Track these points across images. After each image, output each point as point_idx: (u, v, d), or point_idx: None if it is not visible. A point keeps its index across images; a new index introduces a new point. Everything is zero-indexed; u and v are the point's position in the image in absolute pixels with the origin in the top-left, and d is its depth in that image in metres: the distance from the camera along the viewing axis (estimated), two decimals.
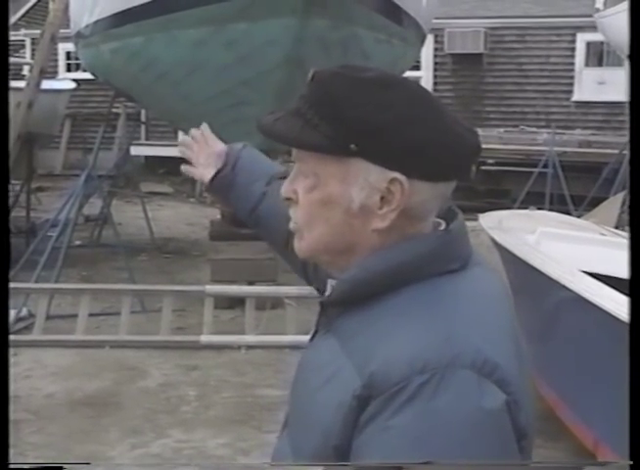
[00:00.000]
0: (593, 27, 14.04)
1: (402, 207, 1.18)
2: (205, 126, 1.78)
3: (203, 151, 1.76)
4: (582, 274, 4.55)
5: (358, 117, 1.16)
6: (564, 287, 4.36)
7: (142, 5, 6.82)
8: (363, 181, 1.18)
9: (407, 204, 1.18)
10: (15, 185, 10.46)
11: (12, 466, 1.30)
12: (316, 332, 1.30)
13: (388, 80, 1.20)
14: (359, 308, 1.20)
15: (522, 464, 1.19)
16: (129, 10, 7.01)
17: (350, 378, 1.12)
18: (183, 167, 1.81)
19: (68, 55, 18.81)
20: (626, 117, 13.20)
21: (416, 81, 1.26)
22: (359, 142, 1.16)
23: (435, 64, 17.84)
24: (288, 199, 1.27)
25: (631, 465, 1.22)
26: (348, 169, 1.18)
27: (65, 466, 1.15)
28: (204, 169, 1.75)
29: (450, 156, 1.19)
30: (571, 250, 5.52)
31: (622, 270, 5.17)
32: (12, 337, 5.75)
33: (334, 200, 1.20)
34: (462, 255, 1.23)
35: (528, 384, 1.21)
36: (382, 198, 1.18)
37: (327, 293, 1.29)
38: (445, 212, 1.28)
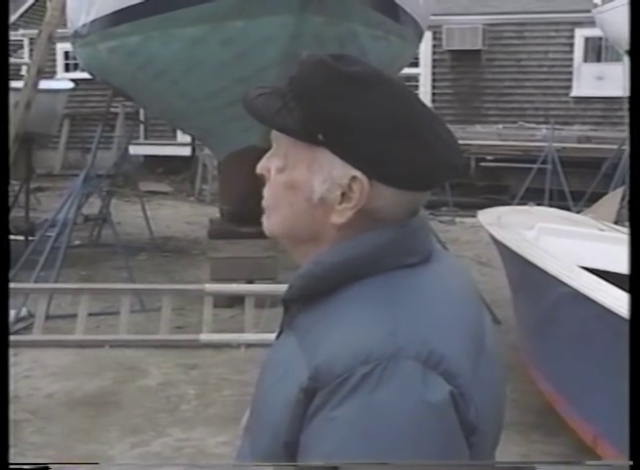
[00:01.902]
0: (591, 23, 14.03)
1: (361, 206, 1.17)
2: None
3: None
4: (581, 270, 4.55)
5: (330, 109, 1.16)
6: (562, 283, 4.36)
7: (139, 4, 6.81)
8: (327, 173, 1.18)
9: (368, 205, 1.17)
10: (13, 185, 10.46)
11: (12, 466, 1.30)
12: (281, 331, 1.29)
13: (372, 78, 1.18)
14: (316, 304, 1.19)
15: (522, 464, 1.19)
16: (126, 9, 7.00)
17: (300, 372, 1.12)
18: None
19: (67, 55, 18.82)
20: (625, 113, 13.22)
21: (408, 87, 1.23)
22: (327, 133, 1.16)
23: (434, 60, 17.84)
24: (261, 175, 1.27)
25: (631, 465, 1.21)
26: (315, 158, 1.19)
27: (63, 466, 1.15)
28: None
29: (418, 168, 1.17)
30: (569, 245, 5.52)
31: (621, 266, 5.20)
32: (11, 337, 5.74)
33: (297, 185, 1.21)
34: (421, 249, 1.22)
35: (489, 376, 1.19)
36: (342, 193, 1.18)
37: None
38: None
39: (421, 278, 1.20)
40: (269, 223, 1.27)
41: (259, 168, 1.27)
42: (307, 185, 1.20)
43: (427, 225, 1.27)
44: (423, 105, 1.22)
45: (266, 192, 1.26)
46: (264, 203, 1.28)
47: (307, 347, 1.15)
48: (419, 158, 1.16)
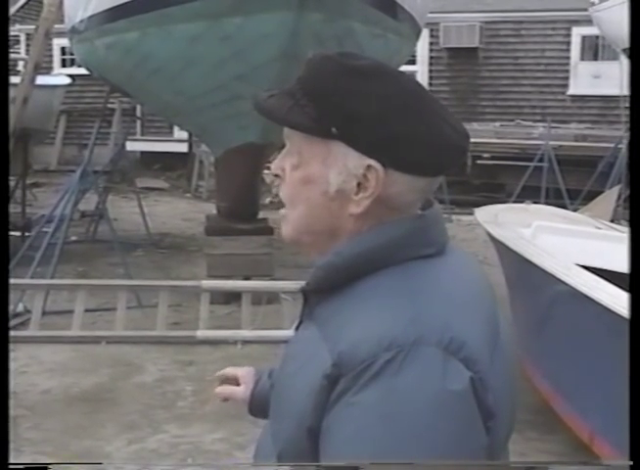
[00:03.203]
0: (588, 21, 14.04)
1: (378, 194, 1.20)
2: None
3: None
4: (578, 268, 4.56)
5: (342, 103, 1.19)
6: (559, 280, 4.37)
7: (136, 0, 6.80)
8: (342, 165, 1.21)
9: (383, 193, 1.20)
10: (10, 181, 10.45)
11: (12, 466, 1.30)
12: (300, 322, 1.32)
13: (379, 71, 1.22)
14: (336, 294, 1.22)
15: (535, 465, 1.21)
16: (124, 5, 6.99)
17: (323, 360, 1.14)
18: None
19: (63, 50, 18.78)
20: (622, 111, 13.22)
21: (412, 77, 1.27)
22: (340, 126, 1.19)
23: (431, 58, 17.84)
24: (276, 176, 1.30)
25: (631, 465, 1.22)
26: (329, 152, 1.22)
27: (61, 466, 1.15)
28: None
29: (430, 153, 1.21)
30: (566, 243, 5.53)
31: (618, 264, 5.21)
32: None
33: (313, 180, 1.24)
34: (437, 240, 1.26)
35: (504, 367, 1.22)
36: (358, 184, 1.21)
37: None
38: (422, 203, 1.30)
39: (437, 268, 1.23)
40: (287, 221, 1.29)
41: (274, 168, 1.30)
42: (323, 179, 1.23)
43: (442, 218, 1.31)
44: (428, 93, 1.26)
45: (282, 191, 1.29)
46: (283, 201, 1.30)
47: (329, 335, 1.17)
48: (430, 143, 1.20)
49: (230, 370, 1.76)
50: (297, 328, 1.33)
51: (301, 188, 1.25)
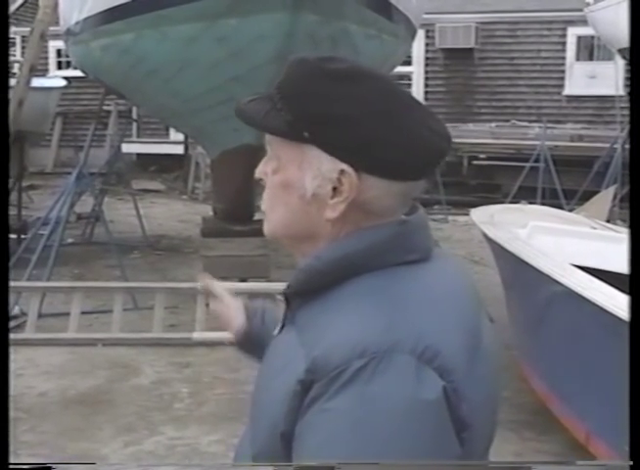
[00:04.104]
0: (584, 21, 14.07)
1: (353, 199, 1.20)
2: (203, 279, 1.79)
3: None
4: (573, 268, 4.56)
5: (314, 106, 1.19)
6: (555, 281, 4.37)
7: (131, 1, 6.80)
8: (316, 170, 1.21)
9: (359, 197, 1.20)
10: None
11: (12, 466, 1.30)
12: (283, 325, 1.32)
13: (356, 74, 1.20)
14: (317, 299, 1.22)
15: (518, 464, 1.20)
16: (119, 6, 6.98)
17: (298, 365, 1.14)
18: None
19: (59, 52, 18.77)
20: (617, 111, 13.24)
21: (393, 80, 1.26)
22: (312, 130, 1.19)
23: (427, 59, 17.85)
24: (260, 179, 1.30)
25: (631, 465, 1.22)
26: (304, 156, 1.21)
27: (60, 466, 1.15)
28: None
29: (406, 157, 1.19)
30: (562, 244, 5.53)
31: (614, 264, 5.21)
32: None
33: (291, 184, 1.24)
34: (420, 247, 1.25)
35: (485, 377, 1.20)
36: (334, 188, 1.20)
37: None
38: (409, 208, 1.29)
39: (419, 275, 1.22)
40: (268, 224, 1.30)
41: (258, 173, 1.30)
42: (300, 183, 1.22)
43: (427, 223, 1.29)
44: (409, 96, 1.24)
45: (265, 195, 1.29)
46: (263, 205, 1.31)
47: (306, 340, 1.17)
48: (405, 147, 1.19)
49: (218, 289, 1.78)
50: (279, 331, 1.33)
51: (280, 192, 1.26)
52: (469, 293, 1.30)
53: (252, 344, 1.67)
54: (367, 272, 1.19)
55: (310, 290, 1.23)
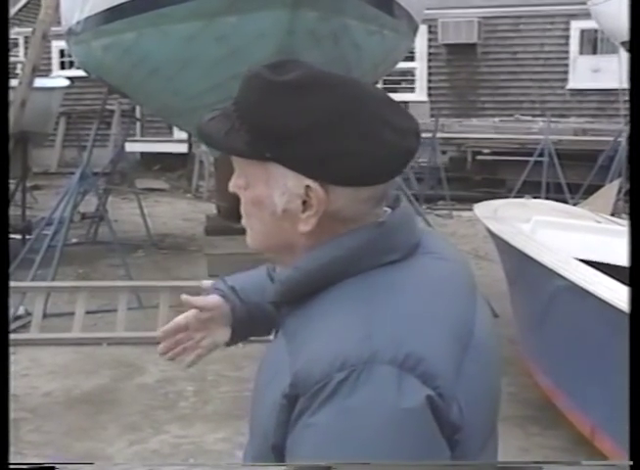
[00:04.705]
0: (587, 15, 14.00)
1: (324, 210, 1.18)
2: (185, 297, 1.58)
3: (202, 321, 1.60)
4: (577, 262, 4.55)
5: (270, 124, 1.16)
6: (559, 275, 4.36)
7: (132, 1, 6.79)
8: (283, 186, 1.19)
9: (330, 208, 1.18)
10: (10, 184, 10.44)
11: (12, 466, 1.29)
12: (276, 331, 1.31)
13: (309, 83, 1.16)
14: (302, 306, 1.20)
15: (526, 464, 1.19)
16: (119, 6, 6.97)
17: (284, 378, 1.12)
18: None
19: (62, 52, 18.77)
20: (621, 105, 13.19)
21: (352, 82, 1.20)
22: (272, 149, 1.17)
23: (430, 54, 17.82)
24: (234, 193, 1.29)
25: (631, 465, 1.21)
26: (269, 174, 1.19)
27: (62, 466, 1.15)
28: (206, 347, 1.61)
29: (369, 164, 1.17)
30: (566, 238, 5.52)
31: (618, 258, 5.19)
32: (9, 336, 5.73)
33: (261, 201, 1.22)
34: (401, 245, 1.22)
35: (479, 375, 1.17)
36: (304, 202, 1.18)
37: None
38: (392, 201, 1.27)
39: (401, 276, 1.19)
40: (249, 238, 1.30)
41: (231, 187, 1.29)
42: (269, 200, 1.21)
43: (409, 219, 1.27)
44: (371, 94, 1.19)
45: (241, 208, 1.29)
46: (242, 219, 1.30)
47: (292, 350, 1.16)
48: (368, 154, 1.16)
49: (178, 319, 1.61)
50: (274, 336, 1.32)
51: (253, 208, 1.25)
52: (460, 289, 1.27)
53: (243, 323, 1.59)
54: (347, 278, 1.18)
55: (293, 299, 1.22)
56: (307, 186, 1.17)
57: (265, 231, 1.24)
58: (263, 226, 1.24)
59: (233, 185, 1.28)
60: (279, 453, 1.13)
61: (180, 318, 1.60)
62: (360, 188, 1.18)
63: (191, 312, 1.59)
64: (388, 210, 1.26)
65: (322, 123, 1.14)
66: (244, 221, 1.29)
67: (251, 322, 1.60)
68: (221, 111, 1.24)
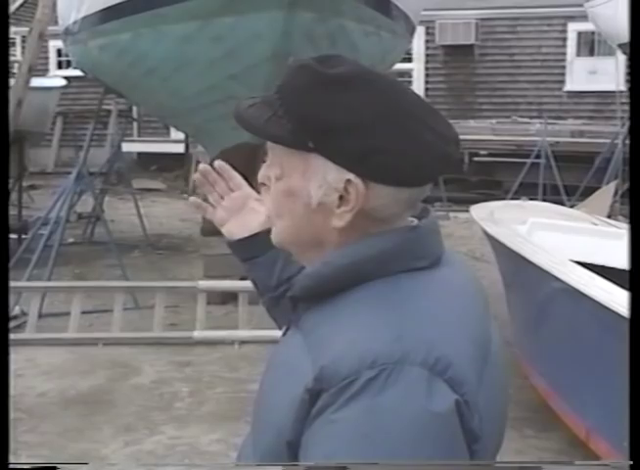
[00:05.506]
0: (584, 17, 14.03)
1: (360, 208, 1.17)
2: (222, 163, 1.68)
3: (225, 190, 1.67)
4: (574, 264, 4.55)
5: (317, 115, 1.15)
6: (555, 277, 4.36)
7: (128, 1, 6.79)
8: (322, 179, 1.17)
9: (367, 206, 1.17)
10: None
11: (11, 466, 1.29)
12: (288, 328, 1.29)
13: (357, 78, 1.16)
14: (324, 304, 1.19)
15: (527, 464, 1.19)
16: (116, 6, 6.98)
17: (306, 373, 1.10)
18: (193, 200, 1.70)
19: (59, 52, 18.76)
20: (618, 107, 13.21)
21: (394, 80, 1.21)
22: (317, 139, 1.15)
23: (427, 56, 17.84)
24: (262, 184, 1.27)
25: (631, 465, 1.21)
26: (308, 165, 1.18)
27: (61, 466, 1.14)
28: (227, 215, 1.66)
29: (412, 164, 1.16)
30: (562, 240, 5.52)
31: (614, 260, 5.19)
32: None
33: (295, 193, 1.20)
34: (430, 253, 1.22)
35: (494, 387, 1.18)
36: (340, 197, 1.17)
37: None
38: (420, 212, 1.26)
39: (428, 282, 1.19)
40: (275, 232, 1.27)
41: (260, 178, 1.27)
42: (304, 192, 1.19)
43: (437, 228, 1.26)
44: (415, 98, 1.20)
45: (269, 201, 1.26)
46: (268, 212, 1.28)
47: (313, 346, 1.14)
48: (411, 153, 1.15)
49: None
50: (284, 334, 1.31)
51: (285, 200, 1.22)
52: (478, 300, 1.27)
53: (252, 251, 1.65)
54: (375, 279, 1.17)
55: (317, 295, 1.20)
56: (348, 180, 1.15)
57: (295, 224, 1.22)
58: (293, 219, 1.22)
59: (263, 176, 1.26)
60: (294, 450, 1.12)
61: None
62: (399, 188, 1.17)
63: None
64: (414, 220, 1.25)
65: (367, 119, 1.14)
66: (270, 214, 1.27)
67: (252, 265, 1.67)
68: (261, 98, 1.23)
